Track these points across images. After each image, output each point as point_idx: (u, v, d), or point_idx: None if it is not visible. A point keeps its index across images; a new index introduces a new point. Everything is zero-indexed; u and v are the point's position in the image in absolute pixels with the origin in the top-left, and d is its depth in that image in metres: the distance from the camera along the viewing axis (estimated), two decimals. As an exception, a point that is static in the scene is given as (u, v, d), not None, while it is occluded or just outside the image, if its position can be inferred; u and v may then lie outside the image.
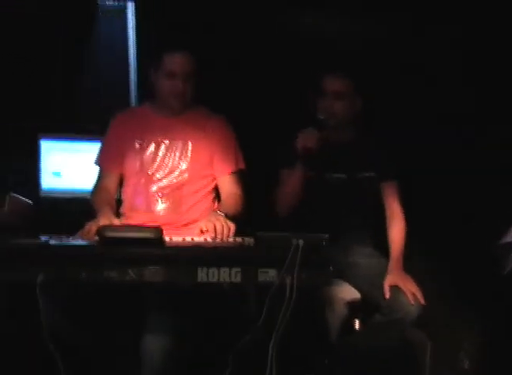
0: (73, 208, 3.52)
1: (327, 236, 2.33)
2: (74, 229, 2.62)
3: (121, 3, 3.68)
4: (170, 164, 2.96)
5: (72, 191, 3.62)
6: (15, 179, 3.53)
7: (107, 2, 3.69)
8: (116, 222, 2.72)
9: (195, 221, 2.89)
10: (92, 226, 2.55)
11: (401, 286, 2.82)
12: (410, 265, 2.95)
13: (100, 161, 3.05)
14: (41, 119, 3.63)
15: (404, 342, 2.92)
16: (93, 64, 3.72)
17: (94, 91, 3.69)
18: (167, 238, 2.41)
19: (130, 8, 3.67)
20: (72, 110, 3.68)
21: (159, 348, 2.56)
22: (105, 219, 2.68)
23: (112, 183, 3.02)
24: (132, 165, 2.98)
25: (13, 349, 2.76)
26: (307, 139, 2.93)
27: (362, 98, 3.10)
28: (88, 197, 3.05)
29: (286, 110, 3.56)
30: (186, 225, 2.92)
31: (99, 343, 2.64)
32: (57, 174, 3.63)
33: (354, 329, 3.03)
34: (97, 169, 3.07)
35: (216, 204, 3.02)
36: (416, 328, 2.93)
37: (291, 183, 3.00)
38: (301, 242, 2.27)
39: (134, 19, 3.67)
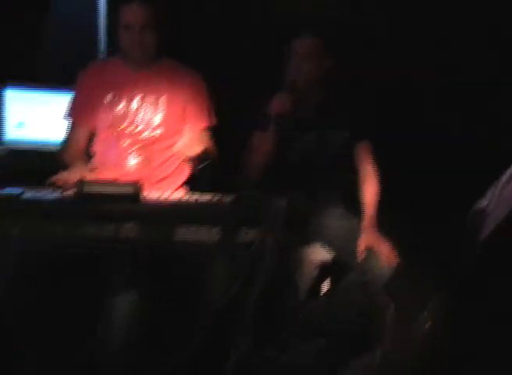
0: (37, 160, 3.44)
1: (307, 196, 2.32)
2: (36, 181, 2.53)
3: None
4: (142, 119, 2.89)
5: (36, 143, 3.52)
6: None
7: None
8: (89, 176, 2.66)
9: (167, 178, 2.87)
10: (67, 178, 2.48)
11: (375, 247, 2.83)
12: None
13: (70, 113, 2.97)
14: (6, 68, 3.50)
15: (369, 304, 2.94)
16: (61, 12, 3.59)
17: (61, 41, 3.57)
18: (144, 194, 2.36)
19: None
20: (38, 60, 3.57)
21: (127, 305, 2.54)
22: (78, 172, 2.62)
23: (82, 136, 2.95)
24: (103, 119, 2.91)
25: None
26: (279, 103, 2.91)
27: (333, 58, 3.06)
28: (53, 149, 2.97)
29: (259, 72, 3.51)
30: (158, 181, 2.87)
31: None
32: (21, 125, 3.53)
33: (324, 289, 3.04)
34: (67, 122, 2.98)
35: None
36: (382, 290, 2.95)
37: (264, 146, 2.97)
38: (284, 201, 2.25)
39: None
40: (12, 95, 3.50)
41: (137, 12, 2.79)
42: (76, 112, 2.96)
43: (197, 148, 2.79)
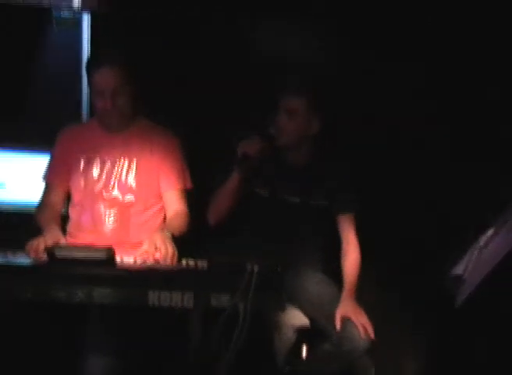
0: (17, 222, 3.42)
1: (281, 262, 2.31)
2: (17, 243, 2.53)
3: (76, 14, 3.60)
4: (116, 182, 2.89)
5: (17, 204, 3.51)
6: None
7: (62, 13, 3.61)
8: (63, 240, 2.65)
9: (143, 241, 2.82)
10: (40, 244, 2.47)
11: (353, 318, 2.79)
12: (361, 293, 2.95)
13: (46, 176, 2.98)
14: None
15: (350, 368, 2.91)
16: (45, 75, 3.64)
17: (44, 102, 3.60)
18: (118, 259, 2.36)
19: (86, 20, 3.60)
20: (21, 121, 3.59)
21: (101, 368, 2.50)
22: (52, 236, 2.60)
23: (57, 198, 2.94)
24: (77, 182, 2.91)
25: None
26: (247, 145, 2.88)
27: (321, 120, 3.00)
28: (33, 210, 2.95)
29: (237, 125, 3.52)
30: (134, 245, 2.81)
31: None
32: (1, 185, 3.53)
33: (302, 355, 3.00)
34: (43, 184, 2.99)
35: None
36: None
37: (225, 189, 2.94)
38: (256, 267, 2.25)
39: (89, 31, 3.59)
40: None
41: (107, 76, 2.78)
42: (51, 175, 2.96)
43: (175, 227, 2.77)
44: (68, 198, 2.97)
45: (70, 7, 3.56)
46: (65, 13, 3.62)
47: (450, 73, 3.48)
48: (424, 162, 3.51)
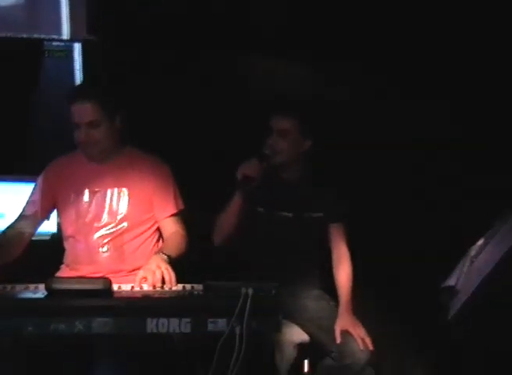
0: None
1: (276, 284, 2.35)
2: (16, 273, 2.59)
3: (67, 44, 3.66)
4: (107, 212, 2.91)
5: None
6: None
7: (53, 43, 3.68)
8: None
9: (139, 268, 2.79)
10: None
11: (351, 331, 2.86)
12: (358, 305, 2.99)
13: (29, 213, 2.99)
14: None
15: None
16: (41, 105, 3.70)
17: (41, 132, 3.67)
18: (115, 287, 2.40)
19: (77, 50, 3.66)
20: (19, 151, 3.64)
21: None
22: None
23: (29, 234, 2.95)
24: (69, 215, 2.94)
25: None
26: (247, 168, 2.94)
27: (311, 139, 3.09)
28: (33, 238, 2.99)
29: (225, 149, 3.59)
30: (132, 271, 2.87)
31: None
32: (1, 216, 3.57)
33: (303, 371, 3.04)
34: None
35: (160, 243, 2.99)
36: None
37: (229, 211, 2.99)
38: (250, 291, 2.29)
39: (81, 60, 3.66)
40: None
41: (82, 110, 2.81)
42: (34, 210, 2.97)
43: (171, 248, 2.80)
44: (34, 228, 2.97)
45: (60, 37, 3.63)
46: (56, 43, 3.70)
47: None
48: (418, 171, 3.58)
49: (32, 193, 3.02)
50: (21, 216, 2.98)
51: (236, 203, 2.97)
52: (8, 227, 2.95)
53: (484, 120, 3.53)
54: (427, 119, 3.60)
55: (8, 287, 2.42)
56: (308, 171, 3.16)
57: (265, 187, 3.06)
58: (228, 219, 3.00)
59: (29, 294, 2.36)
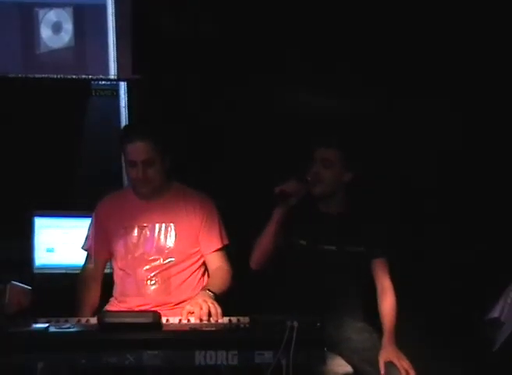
0: (66, 283, 3.56)
1: (321, 317, 2.39)
2: (69, 305, 2.69)
3: (113, 83, 3.78)
4: (155, 247, 3.01)
5: (66, 267, 3.65)
6: (8, 255, 3.57)
7: (99, 82, 3.80)
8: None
9: (188, 299, 2.93)
10: None
11: (395, 362, 2.87)
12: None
13: (86, 247, 3.13)
14: (35, 196, 3.70)
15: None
16: (88, 142, 3.82)
17: (88, 168, 3.77)
18: (163, 320, 2.47)
19: (123, 88, 3.78)
20: (66, 188, 3.76)
21: None
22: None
23: (97, 270, 3.10)
24: (118, 249, 3.05)
25: None
26: (285, 185, 2.98)
27: (354, 169, 3.13)
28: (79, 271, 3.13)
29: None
30: (178, 304, 2.96)
31: None
32: (50, 250, 3.68)
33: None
34: (84, 253, 3.14)
35: (206, 277, 3.07)
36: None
37: (267, 230, 3.03)
38: (296, 324, 2.33)
39: (126, 98, 3.77)
40: (41, 222, 3.65)
41: (139, 149, 2.91)
42: (90, 246, 3.10)
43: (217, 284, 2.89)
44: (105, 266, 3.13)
45: (107, 77, 3.75)
46: (102, 82, 3.83)
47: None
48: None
49: (88, 228, 3.14)
50: (89, 258, 3.11)
51: (273, 223, 3.01)
52: (82, 272, 3.11)
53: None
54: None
55: (61, 320, 2.50)
56: (350, 203, 3.20)
57: (305, 220, 3.11)
58: (265, 240, 3.04)
59: (81, 328, 2.44)
